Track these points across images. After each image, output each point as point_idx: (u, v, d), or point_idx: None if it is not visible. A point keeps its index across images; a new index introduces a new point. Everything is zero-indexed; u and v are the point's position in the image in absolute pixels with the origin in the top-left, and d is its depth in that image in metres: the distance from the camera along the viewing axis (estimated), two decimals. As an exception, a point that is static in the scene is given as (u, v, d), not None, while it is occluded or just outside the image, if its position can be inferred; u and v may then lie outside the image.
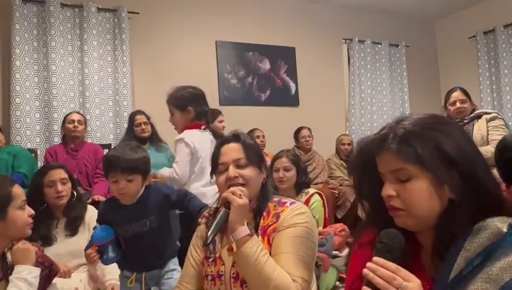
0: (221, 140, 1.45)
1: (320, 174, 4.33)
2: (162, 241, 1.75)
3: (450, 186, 0.82)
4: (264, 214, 1.34)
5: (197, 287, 1.40)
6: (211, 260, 1.37)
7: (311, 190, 2.69)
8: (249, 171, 1.34)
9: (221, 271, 1.33)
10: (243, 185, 1.31)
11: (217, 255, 1.36)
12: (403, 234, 0.85)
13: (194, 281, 1.41)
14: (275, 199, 1.38)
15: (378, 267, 0.79)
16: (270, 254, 1.23)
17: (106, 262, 1.68)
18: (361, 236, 0.98)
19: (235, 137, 1.40)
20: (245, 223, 1.21)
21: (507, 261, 0.74)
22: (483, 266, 0.76)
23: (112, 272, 2.01)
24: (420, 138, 0.84)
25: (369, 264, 0.80)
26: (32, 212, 1.53)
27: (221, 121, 3.65)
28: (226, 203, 1.21)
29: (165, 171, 2.35)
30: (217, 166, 1.38)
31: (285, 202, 1.35)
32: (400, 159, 0.84)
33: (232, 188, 1.24)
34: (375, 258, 0.81)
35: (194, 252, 1.45)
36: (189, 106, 2.42)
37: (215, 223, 1.19)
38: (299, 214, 1.29)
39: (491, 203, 0.82)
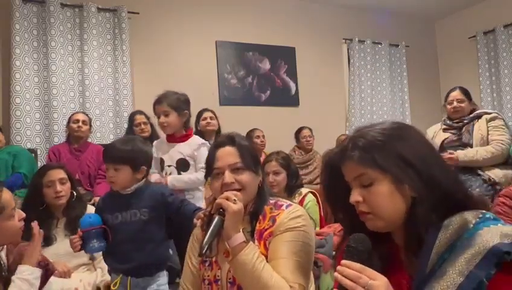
0: (215, 143, 1.40)
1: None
2: (150, 240, 1.74)
3: (409, 185, 0.87)
4: (260, 217, 1.31)
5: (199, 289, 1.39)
6: (207, 264, 1.36)
7: (304, 190, 2.66)
8: (245, 176, 1.31)
9: (218, 276, 1.32)
10: (239, 190, 1.29)
11: (213, 259, 1.34)
12: (377, 237, 0.91)
13: (195, 284, 1.40)
14: (271, 202, 1.35)
15: (345, 269, 0.83)
16: (267, 259, 1.21)
17: (89, 250, 1.71)
18: (341, 245, 1.02)
19: (230, 140, 1.35)
20: (240, 230, 1.18)
21: (470, 253, 0.78)
22: (452, 260, 0.79)
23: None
24: (378, 145, 0.90)
25: (338, 267, 0.84)
26: (23, 215, 1.50)
27: (204, 119, 3.65)
28: (220, 210, 1.17)
29: (190, 175, 2.40)
30: (211, 170, 1.35)
31: (282, 205, 1.33)
32: (360, 165, 0.90)
33: (226, 193, 1.21)
34: (342, 261, 0.85)
35: (192, 256, 1.43)
36: (186, 110, 2.43)
37: (209, 231, 1.15)
38: (295, 218, 1.27)
39: (452, 200, 0.86)
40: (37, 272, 1.43)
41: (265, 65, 4.90)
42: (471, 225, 0.81)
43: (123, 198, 1.76)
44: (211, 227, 1.16)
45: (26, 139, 3.62)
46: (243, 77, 4.77)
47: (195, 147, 2.42)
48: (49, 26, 3.75)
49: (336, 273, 0.84)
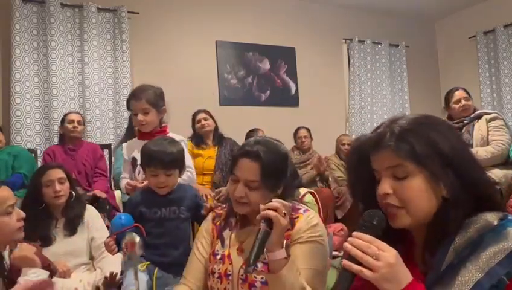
0: (242, 150, 1.33)
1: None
2: (183, 239, 1.74)
3: (445, 184, 0.84)
4: None
5: (203, 283, 1.39)
6: (218, 257, 1.36)
7: (303, 190, 2.66)
8: (255, 195, 1.28)
9: (229, 271, 1.32)
10: (245, 203, 1.30)
11: (226, 253, 1.35)
12: (393, 233, 0.88)
13: (201, 276, 1.40)
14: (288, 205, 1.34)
15: (355, 239, 0.82)
16: None
17: None
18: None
19: (255, 154, 1.28)
20: (284, 245, 1.14)
21: (493, 250, 0.77)
22: (472, 257, 0.79)
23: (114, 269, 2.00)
24: (417, 135, 0.86)
25: (348, 238, 0.83)
26: (22, 215, 1.48)
27: (199, 122, 3.61)
28: (268, 221, 1.10)
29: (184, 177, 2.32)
30: (232, 172, 1.33)
31: (299, 209, 1.33)
32: (397, 155, 0.86)
33: (275, 204, 1.12)
34: (354, 233, 0.84)
35: (201, 246, 1.43)
36: (163, 105, 2.26)
37: (257, 244, 1.08)
38: (314, 226, 1.28)
39: (484, 202, 0.84)
40: (44, 274, 1.43)
41: (265, 65, 4.90)
42: (494, 225, 0.80)
43: (160, 195, 1.74)
44: (258, 240, 1.09)
45: (26, 139, 3.61)
46: (243, 77, 4.77)
47: None
48: (49, 26, 3.75)
49: (345, 244, 0.82)
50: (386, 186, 0.87)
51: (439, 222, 0.85)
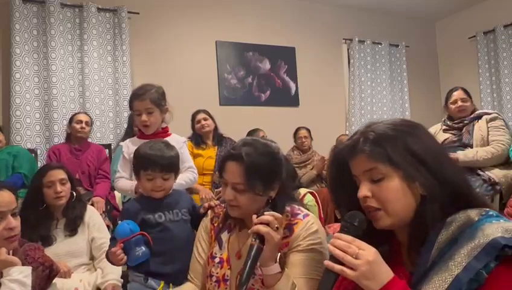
0: (228, 153, 1.32)
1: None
2: (189, 242, 1.61)
3: (420, 183, 0.87)
4: None
5: (203, 284, 1.38)
6: (217, 261, 1.33)
7: (303, 190, 2.66)
8: (244, 198, 1.25)
9: (227, 276, 1.30)
10: (236, 206, 1.27)
11: (224, 257, 1.33)
12: (379, 235, 0.92)
13: (201, 277, 1.40)
14: (287, 209, 1.29)
15: (336, 240, 0.85)
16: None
17: (134, 260, 1.51)
18: None
19: (238, 156, 1.24)
20: (277, 259, 1.11)
21: (470, 246, 0.79)
22: (452, 253, 0.80)
23: (112, 273, 2.01)
24: (389, 139, 0.90)
25: (331, 240, 0.86)
26: (13, 224, 1.41)
27: (198, 122, 3.59)
28: (260, 237, 1.08)
29: (185, 178, 2.25)
30: (221, 176, 1.32)
31: (298, 213, 1.28)
32: (371, 159, 0.90)
33: (266, 217, 1.09)
34: (335, 234, 0.88)
35: (200, 246, 1.43)
36: (165, 104, 2.22)
37: (249, 263, 1.05)
38: (314, 233, 1.23)
39: (460, 198, 0.87)
40: (27, 270, 1.40)
41: (265, 65, 4.90)
42: (474, 222, 0.82)
43: (159, 200, 1.66)
44: (251, 258, 1.06)
45: (26, 139, 3.61)
46: (242, 77, 4.77)
47: (180, 145, 2.24)
48: (49, 26, 3.75)
49: (328, 245, 0.86)
50: (364, 190, 0.91)
51: (420, 219, 0.87)
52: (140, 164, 1.64)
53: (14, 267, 1.36)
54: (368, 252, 0.82)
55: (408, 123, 0.96)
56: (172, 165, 1.65)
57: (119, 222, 1.59)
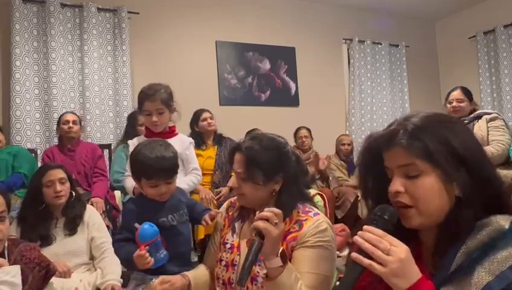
0: (235, 145, 1.41)
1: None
2: (188, 243, 1.70)
3: (458, 184, 0.82)
4: (287, 219, 1.31)
5: (213, 268, 1.47)
6: (228, 246, 1.41)
7: (312, 191, 2.66)
8: (246, 187, 1.34)
9: (236, 261, 1.36)
10: (241, 194, 1.36)
11: (235, 243, 1.39)
12: (403, 233, 0.86)
13: (212, 262, 1.48)
14: (299, 206, 1.34)
15: (366, 233, 0.80)
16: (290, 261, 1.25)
17: (159, 262, 1.49)
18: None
19: (242, 148, 1.35)
20: (279, 253, 1.13)
21: (504, 255, 0.76)
22: (483, 260, 0.77)
23: (112, 273, 2.01)
24: (430, 133, 0.84)
25: (359, 232, 0.81)
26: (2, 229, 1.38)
27: (205, 120, 3.61)
28: (260, 232, 1.10)
29: (189, 181, 2.28)
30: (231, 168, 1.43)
31: (309, 211, 1.33)
32: (410, 154, 0.84)
33: (265, 213, 1.11)
34: (365, 227, 0.82)
35: (217, 237, 1.51)
36: (173, 104, 2.26)
37: (249, 259, 1.07)
38: (323, 231, 1.27)
39: (496, 202, 0.83)
40: (15, 270, 1.38)
41: (265, 65, 4.90)
42: (506, 228, 0.78)
43: (163, 202, 1.61)
44: (251, 254, 1.08)
45: (26, 139, 3.62)
46: (242, 77, 4.77)
47: (186, 146, 2.30)
48: (49, 26, 3.75)
49: (355, 237, 0.81)
50: (397, 185, 0.86)
51: (451, 222, 0.83)
52: (142, 172, 1.56)
53: (0, 269, 1.34)
54: (401, 249, 0.78)
55: (447, 118, 0.91)
56: (174, 168, 1.59)
57: (138, 225, 1.49)
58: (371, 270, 0.78)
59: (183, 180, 2.23)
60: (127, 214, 1.63)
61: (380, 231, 0.80)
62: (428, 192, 0.84)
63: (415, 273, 0.78)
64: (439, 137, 0.84)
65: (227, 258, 1.39)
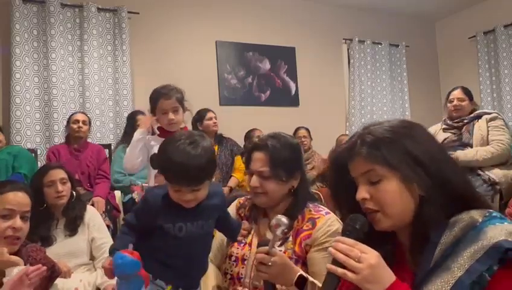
0: (253, 145, 1.44)
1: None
2: (208, 252, 1.46)
3: (418, 184, 0.87)
4: (299, 217, 1.37)
5: (219, 266, 1.49)
6: (242, 244, 1.44)
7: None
8: (269, 184, 1.35)
9: (246, 255, 1.39)
10: (262, 193, 1.37)
11: (248, 241, 1.42)
12: (382, 236, 0.92)
13: (219, 259, 1.51)
14: (310, 205, 1.41)
15: (338, 243, 0.85)
16: (301, 259, 1.30)
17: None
18: None
19: (263, 146, 1.38)
20: (294, 281, 1.13)
21: (473, 248, 0.79)
22: (457, 255, 0.80)
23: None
24: (386, 141, 0.90)
25: (333, 243, 0.86)
26: (18, 225, 1.40)
27: (210, 119, 3.63)
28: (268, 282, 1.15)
29: None
30: (247, 167, 1.43)
31: (321, 210, 1.39)
32: (368, 161, 0.90)
33: (258, 258, 1.13)
34: (337, 237, 0.88)
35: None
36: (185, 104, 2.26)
37: None
38: (334, 233, 1.30)
39: (461, 199, 0.87)
40: (24, 271, 1.40)
41: (265, 65, 4.90)
42: (478, 223, 0.82)
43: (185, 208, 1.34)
44: None
45: (26, 139, 3.62)
46: (242, 77, 4.77)
47: None
48: (49, 26, 3.75)
49: (330, 248, 0.86)
50: (362, 192, 0.91)
51: (419, 220, 0.87)
52: (163, 171, 1.30)
53: (15, 268, 1.37)
54: (370, 256, 0.82)
55: (406, 124, 0.95)
56: (203, 173, 1.26)
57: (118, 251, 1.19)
58: (345, 278, 0.82)
59: None
60: (143, 207, 1.36)
61: (350, 241, 0.85)
62: (390, 195, 0.88)
63: (387, 278, 0.81)
64: (395, 143, 0.89)
65: (237, 253, 1.42)
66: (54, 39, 3.76)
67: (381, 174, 0.89)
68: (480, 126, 3.01)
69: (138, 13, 4.21)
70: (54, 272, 1.61)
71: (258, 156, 1.38)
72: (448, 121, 3.18)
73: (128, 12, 4.13)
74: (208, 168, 1.27)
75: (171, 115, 2.11)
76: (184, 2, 4.52)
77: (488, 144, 2.92)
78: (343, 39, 5.39)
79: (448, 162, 0.91)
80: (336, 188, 1.03)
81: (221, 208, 1.42)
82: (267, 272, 1.11)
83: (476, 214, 0.83)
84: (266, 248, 1.13)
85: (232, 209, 1.55)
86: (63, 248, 2.07)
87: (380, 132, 0.92)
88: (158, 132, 2.21)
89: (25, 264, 1.42)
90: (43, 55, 3.76)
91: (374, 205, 0.90)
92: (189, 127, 3.60)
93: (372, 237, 0.90)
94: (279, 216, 1.14)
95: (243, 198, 1.57)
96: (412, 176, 0.86)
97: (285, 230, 1.14)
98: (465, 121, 3.08)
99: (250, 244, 1.41)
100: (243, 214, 1.52)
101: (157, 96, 2.15)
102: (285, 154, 1.36)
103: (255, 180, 1.37)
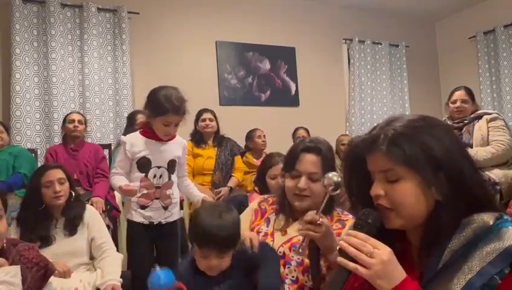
0: (304, 146, 1.45)
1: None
2: None
3: (436, 189, 0.85)
4: (328, 217, 1.41)
5: None
6: (261, 234, 1.46)
7: None
8: (318, 186, 1.38)
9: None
10: (307, 196, 1.40)
11: (269, 232, 1.45)
12: (390, 234, 0.90)
13: None
14: (337, 209, 1.48)
15: (350, 237, 0.84)
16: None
17: None
18: None
19: (318, 150, 1.42)
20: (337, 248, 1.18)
21: (485, 250, 0.78)
22: (467, 257, 0.79)
23: (112, 273, 2.00)
24: (409, 140, 0.86)
25: (344, 236, 0.85)
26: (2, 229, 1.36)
27: (203, 120, 3.61)
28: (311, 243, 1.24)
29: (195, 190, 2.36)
30: (292, 168, 1.42)
31: (348, 214, 1.45)
32: (389, 160, 0.87)
33: (308, 218, 1.23)
34: (349, 231, 0.87)
35: (243, 224, 1.55)
36: None
37: (311, 263, 1.25)
38: None
39: (476, 204, 0.85)
40: (14, 270, 1.38)
41: (265, 65, 4.90)
42: (489, 225, 0.81)
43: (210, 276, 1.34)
44: (312, 259, 1.25)
45: (26, 139, 3.62)
46: (242, 77, 4.77)
47: (183, 147, 2.29)
48: (49, 26, 3.75)
49: (341, 242, 0.85)
50: (377, 188, 0.89)
51: (433, 223, 0.86)
52: (195, 236, 1.34)
53: (12, 267, 1.35)
54: (383, 252, 0.81)
55: (429, 121, 0.91)
56: (231, 244, 1.31)
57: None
58: (356, 273, 0.81)
59: (195, 190, 2.34)
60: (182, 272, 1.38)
61: (363, 235, 0.84)
62: (407, 196, 0.86)
63: (398, 274, 0.81)
64: (418, 143, 0.85)
65: None
66: (54, 39, 3.76)
67: (400, 174, 0.86)
68: (480, 126, 3.00)
69: (138, 13, 4.21)
70: (47, 270, 1.58)
71: (309, 158, 1.41)
72: (448, 121, 3.17)
73: (128, 12, 4.13)
74: (234, 241, 1.31)
75: (172, 130, 2.12)
76: (184, 2, 4.52)
77: (488, 145, 2.92)
78: (343, 39, 5.39)
79: (469, 167, 0.88)
80: (350, 177, 1.01)
81: (249, 265, 1.36)
82: (315, 231, 1.18)
83: (488, 217, 0.82)
84: (314, 211, 1.23)
85: (255, 204, 1.59)
86: (62, 248, 2.07)
87: (402, 128, 0.88)
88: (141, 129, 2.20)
89: (16, 264, 1.40)
90: (43, 55, 3.76)
91: (388, 203, 0.88)
92: (191, 126, 3.60)
93: (382, 233, 0.88)
94: (331, 174, 1.22)
95: (266, 195, 1.61)
96: (432, 180, 0.84)
97: (337, 191, 1.21)
98: (466, 121, 3.08)
99: (272, 235, 1.44)
100: (263, 207, 1.56)
101: (169, 108, 2.07)
102: (332, 158, 1.45)
103: (304, 183, 1.39)
